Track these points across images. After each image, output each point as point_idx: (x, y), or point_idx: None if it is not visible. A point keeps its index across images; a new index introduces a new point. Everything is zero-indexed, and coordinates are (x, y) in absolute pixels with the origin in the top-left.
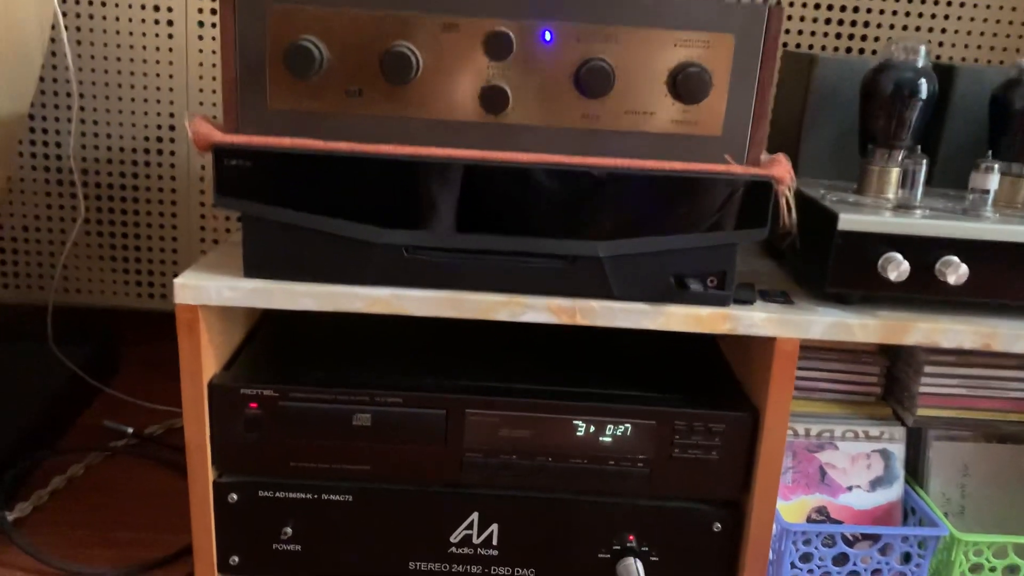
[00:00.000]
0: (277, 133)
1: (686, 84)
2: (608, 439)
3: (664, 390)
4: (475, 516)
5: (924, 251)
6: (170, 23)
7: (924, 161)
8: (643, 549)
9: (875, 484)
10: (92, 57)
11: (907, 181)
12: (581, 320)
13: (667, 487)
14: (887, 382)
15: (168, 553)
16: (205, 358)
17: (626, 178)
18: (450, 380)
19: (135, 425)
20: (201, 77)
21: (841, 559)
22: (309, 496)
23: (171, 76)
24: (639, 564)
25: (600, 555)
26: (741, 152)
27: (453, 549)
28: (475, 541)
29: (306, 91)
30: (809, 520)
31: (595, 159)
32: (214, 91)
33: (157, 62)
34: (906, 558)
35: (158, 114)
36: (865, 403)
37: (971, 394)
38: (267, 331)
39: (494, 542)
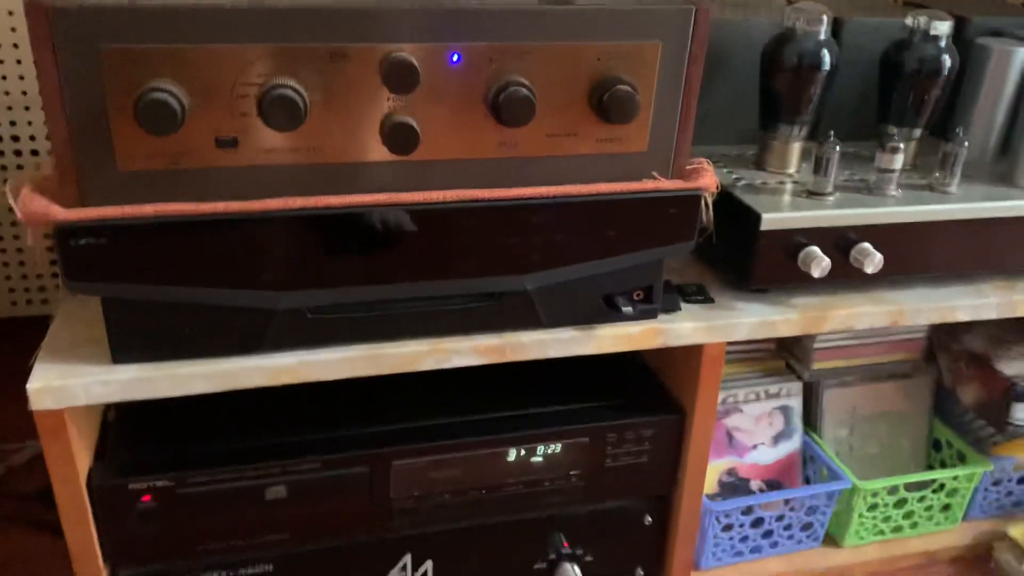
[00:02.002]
0: (134, 199)
1: (614, 104)
2: (541, 459)
3: (591, 401)
4: (407, 558)
5: (842, 241)
6: None
7: (837, 148)
8: (577, 552)
9: (777, 439)
10: None
11: (820, 167)
12: (511, 357)
13: (600, 494)
14: (780, 339)
15: None
16: (79, 460)
17: (550, 207)
18: (368, 430)
19: None
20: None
21: (757, 522)
22: (224, 574)
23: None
24: (575, 568)
25: (536, 566)
26: (667, 164)
27: None
28: None
29: (165, 146)
30: (720, 482)
31: (516, 190)
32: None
33: None
34: (811, 510)
35: None
36: (762, 359)
37: (858, 344)
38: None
39: None
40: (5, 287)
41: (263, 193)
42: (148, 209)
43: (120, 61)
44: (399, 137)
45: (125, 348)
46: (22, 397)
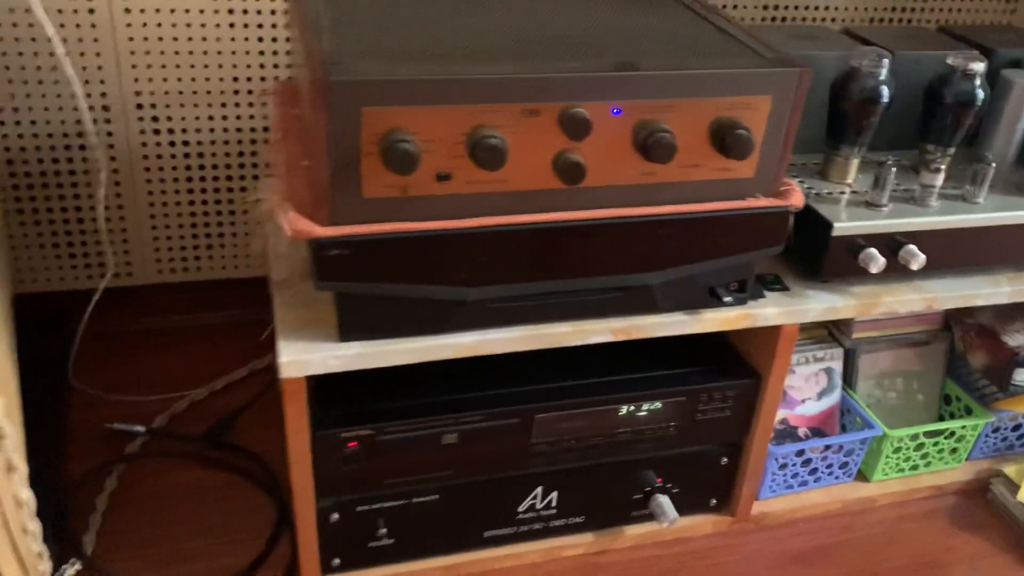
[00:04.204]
0: (370, 220)
1: (735, 145)
2: (645, 413)
3: (686, 367)
4: (539, 489)
5: (892, 243)
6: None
7: (894, 170)
8: (667, 486)
9: (821, 394)
10: (16, 40)
11: (878, 183)
12: (635, 335)
13: (689, 441)
14: None
15: (252, 558)
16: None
17: (676, 221)
18: (518, 390)
19: (123, 419)
20: (133, 52)
21: (806, 462)
22: (400, 502)
23: (98, 54)
24: (667, 498)
25: (635, 496)
26: (766, 187)
27: (520, 516)
28: (538, 507)
29: (399, 179)
30: (775, 429)
31: (651, 208)
32: (148, 66)
33: (80, 40)
34: (848, 452)
35: (88, 95)
36: (810, 329)
37: (889, 317)
38: None
39: (553, 505)
40: (141, 257)
41: (465, 214)
42: (383, 227)
43: (374, 118)
44: (570, 172)
45: (351, 330)
46: (163, 354)
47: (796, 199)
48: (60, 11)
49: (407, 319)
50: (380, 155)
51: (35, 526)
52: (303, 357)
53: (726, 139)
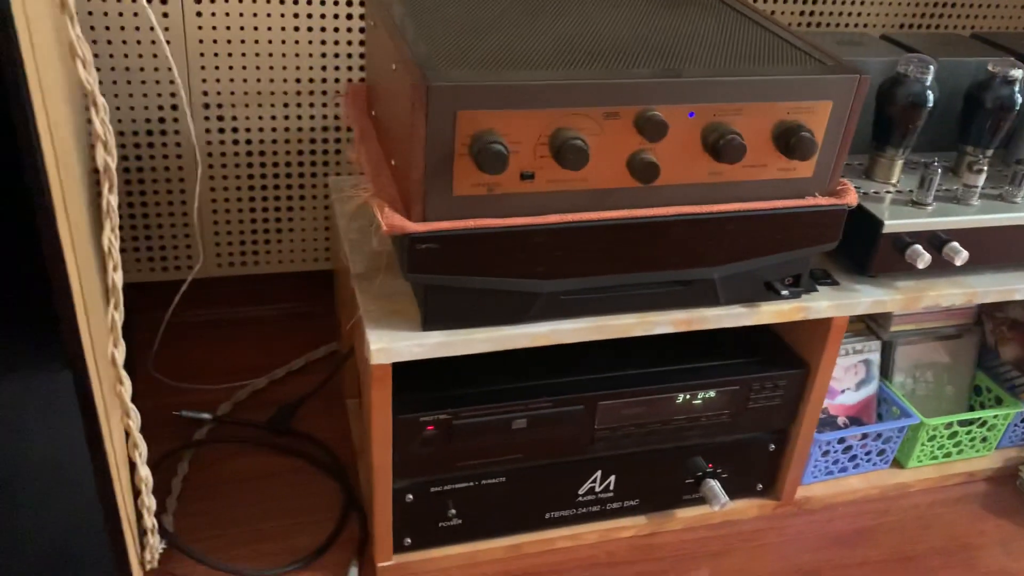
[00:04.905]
0: (458, 216)
1: (800, 146)
2: (700, 402)
3: (738, 358)
4: (598, 473)
5: (936, 240)
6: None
7: (939, 171)
8: (717, 471)
9: (859, 385)
10: (95, 42)
11: (924, 184)
12: (696, 327)
13: (741, 428)
14: None
15: (324, 538)
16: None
17: (740, 218)
18: (584, 378)
19: (188, 407)
20: (202, 55)
21: (846, 449)
22: (470, 484)
23: (169, 43)
24: (717, 483)
25: (687, 481)
26: (824, 186)
27: (579, 498)
28: (597, 490)
29: (486, 178)
30: None
31: (718, 206)
32: (216, 68)
33: (152, 42)
34: (886, 440)
35: (159, 95)
36: (851, 323)
37: (924, 311)
38: None
39: (611, 488)
40: (213, 251)
41: (545, 211)
42: (469, 223)
43: (467, 121)
44: (645, 171)
45: (434, 319)
46: (223, 344)
47: (851, 198)
48: (135, 14)
49: (485, 310)
50: (472, 156)
51: (152, 502)
52: (391, 345)
53: (791, 141)
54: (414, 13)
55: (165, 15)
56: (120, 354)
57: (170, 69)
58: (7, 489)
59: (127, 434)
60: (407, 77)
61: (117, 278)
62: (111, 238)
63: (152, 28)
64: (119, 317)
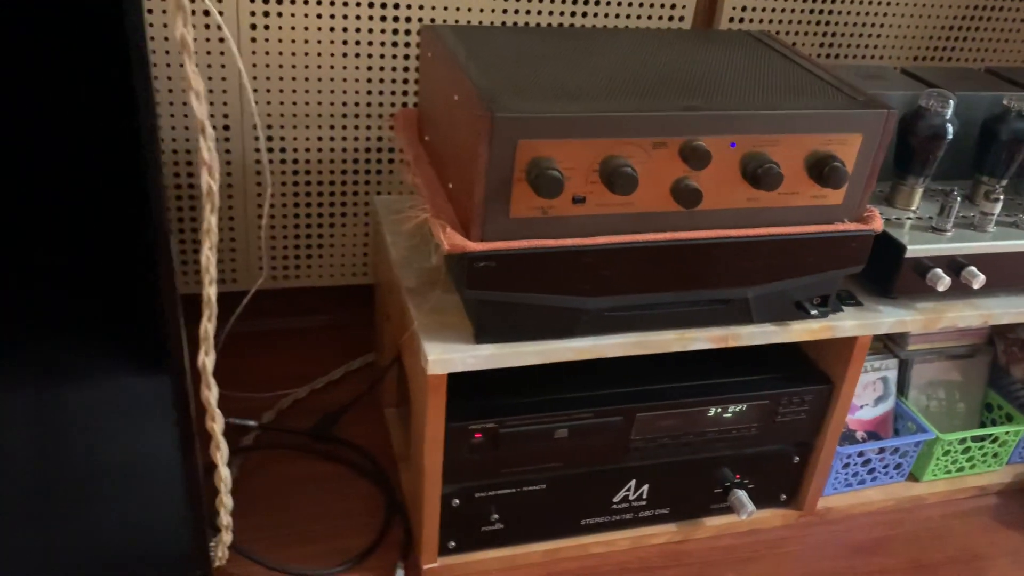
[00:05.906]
0: (514, 237)
1: (832, 176)
2: (730, 415)
3: (766, 374)
4: (633, 482)
5: (955, 264)
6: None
7: (959, 199)
8: (744, 481)
9: (877, 401)
10: (155, 65)
11: (944, 211)
12: (731, 343)
13: (767, 440)
14: None
15: (370, 540)
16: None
17: (774, 241)
18: (622, 391)
19: (233, 414)
20: (255, 78)
21: (866, 462)
22: (513, 490)
23: (224, 79)
24: (744, 493)
25: (715, 491)
26: (852, 213)
27: (614, 505)
28: (631, 498)
29: (541, 202)
30: None
31: (754, 230)
32: (268, 90)
33: (209, 66)
34: (903, 454)
35: (212, 116)
36: None
37: (939, 332)
38: None
39: (644, 497)
40: (246, 264)
41: (595, 232)
42: (524, 243)
43: (527, 149)
44: (690, 197)
45: (486, 333)
46: (266, 354)
47: (877, 224)
48: (195, 39)
49: (534, 324)
50: (529, 181)
51: (230, 502)
52: (446, 356)
53: (824, 171)
54: (469, 47)
55: (221, 40)
56: (210, 362)
57: (224, 92)
58: (97, 486)
59: (210, 436)
60: (471, 108)
61: (212, 292)
62: (208, 255)
63: (209, 52)
64: (211, 328)
